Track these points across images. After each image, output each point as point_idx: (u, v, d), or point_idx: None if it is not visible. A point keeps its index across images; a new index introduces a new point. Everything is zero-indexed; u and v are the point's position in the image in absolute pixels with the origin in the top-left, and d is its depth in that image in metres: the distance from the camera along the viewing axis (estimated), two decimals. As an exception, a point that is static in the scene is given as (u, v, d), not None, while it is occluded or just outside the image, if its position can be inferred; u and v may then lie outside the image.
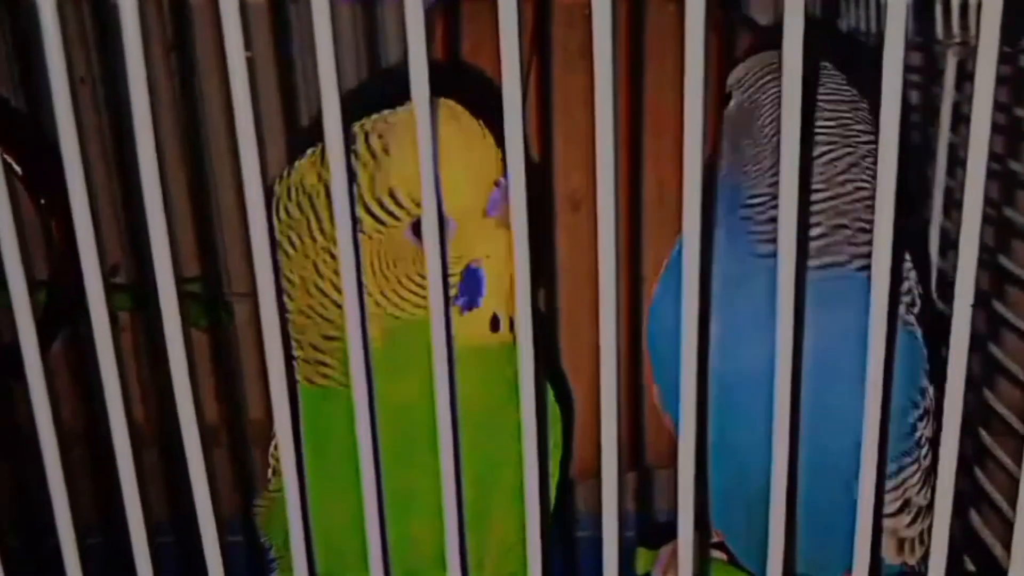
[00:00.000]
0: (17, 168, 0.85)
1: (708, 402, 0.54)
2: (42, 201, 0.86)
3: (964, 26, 0.76)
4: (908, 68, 0.76)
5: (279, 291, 0.40)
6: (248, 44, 0.37)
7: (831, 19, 0.90)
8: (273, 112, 0.94)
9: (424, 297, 0.51)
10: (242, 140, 0.38)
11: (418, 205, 0.49)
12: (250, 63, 0.37)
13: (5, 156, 0.47)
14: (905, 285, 0.57)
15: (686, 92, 0.38)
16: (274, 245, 0.39)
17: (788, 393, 0.42)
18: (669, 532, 0.44)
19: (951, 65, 0.78)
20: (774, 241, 0.40)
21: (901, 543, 0.60)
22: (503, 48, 0.37)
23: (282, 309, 0.40)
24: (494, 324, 0.53)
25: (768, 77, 0.59)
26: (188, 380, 0.41)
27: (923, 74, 0.84)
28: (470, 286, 0.52)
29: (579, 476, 0.82)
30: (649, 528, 0.91)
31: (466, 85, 0.47)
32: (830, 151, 0.55)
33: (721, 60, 0.66)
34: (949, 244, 0.80)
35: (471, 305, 0.53)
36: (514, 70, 0.38)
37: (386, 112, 0.51)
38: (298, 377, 0.55)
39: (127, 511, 0.43)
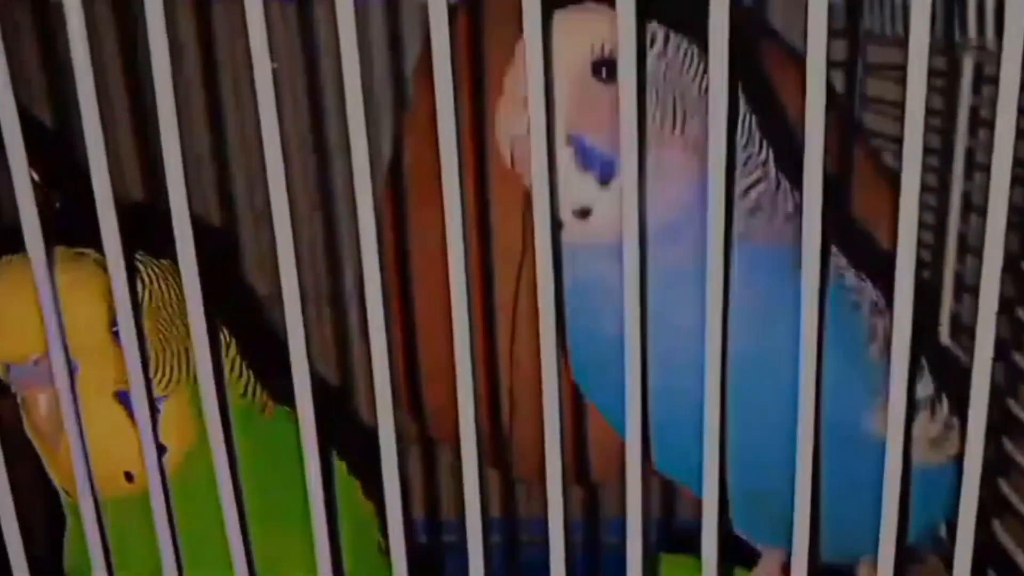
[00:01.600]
0: (35, 177, 0.85)
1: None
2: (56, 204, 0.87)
3: (981, 30, 0.76)
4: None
5: (303, 294, 0.40)
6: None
7: (854, 20, 0.90)
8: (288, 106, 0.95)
9: None
10: (268, 149, 0.38)
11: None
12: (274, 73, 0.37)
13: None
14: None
15: (711, 95, 0.38)
16: (297, 248, 0.40)
17: (813, 371, 0.41)
18: (692, 538, 0.44)
19: (968, 68, 0.78)
20: None
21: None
22: (527, 48, 0.37)
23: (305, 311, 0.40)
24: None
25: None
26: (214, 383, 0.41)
27: (939, 76, 0.84)
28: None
29: (601, 478, 0.81)
30: (671, 533, 0.91)
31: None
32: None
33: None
34: (966, 248, 0.80)
35: None
36: (537, 68, 0.37)
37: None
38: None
39: (155, 511, 0.44)
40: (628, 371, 0.41)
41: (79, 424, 0.42)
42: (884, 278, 0.45)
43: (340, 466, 0.62)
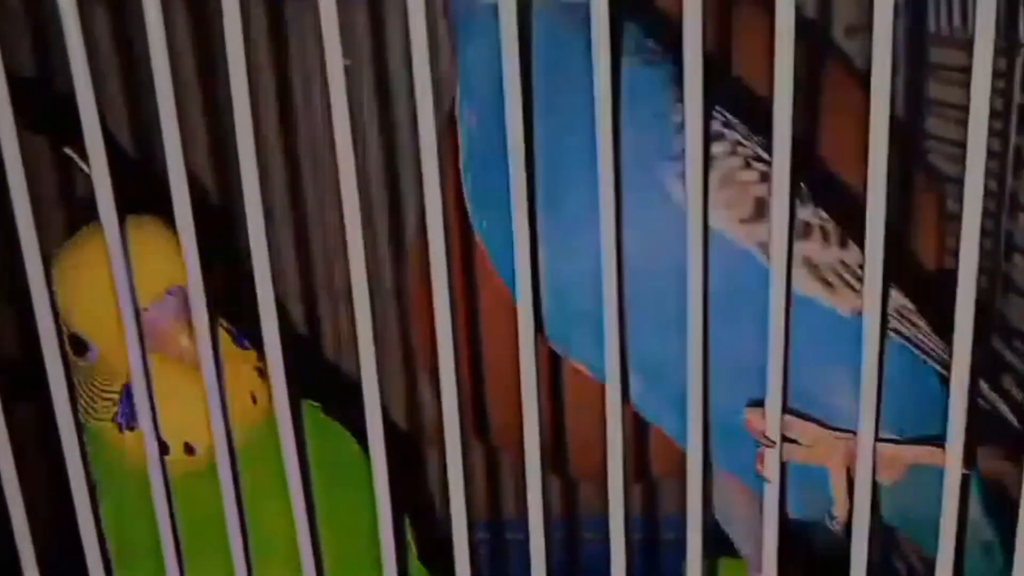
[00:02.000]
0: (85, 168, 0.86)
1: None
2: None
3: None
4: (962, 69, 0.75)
5: (372, 292, 0.40)
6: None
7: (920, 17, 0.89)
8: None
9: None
10: (340, 147, 0.38)
11: None
12: (347, 70, 0.37)
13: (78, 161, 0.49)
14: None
15: (776, 90, 0.38)
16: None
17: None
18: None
19: (1019, 67, 0.77)
20: None
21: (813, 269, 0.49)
22: (596, 55, 0.37)
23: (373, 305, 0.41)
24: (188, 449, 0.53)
25: None
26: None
27: (999, 78, 0.83)
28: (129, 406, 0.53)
29: (661, 474, 0.81)
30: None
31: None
32: None
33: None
34: (1014, 247, 0.79)
35: (131, 425, 0.53)
36: (605, 72, 0.38)
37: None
38: None
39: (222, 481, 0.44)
40: (689, 374, 0.41)
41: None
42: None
43: (358, 449, 0.61)
